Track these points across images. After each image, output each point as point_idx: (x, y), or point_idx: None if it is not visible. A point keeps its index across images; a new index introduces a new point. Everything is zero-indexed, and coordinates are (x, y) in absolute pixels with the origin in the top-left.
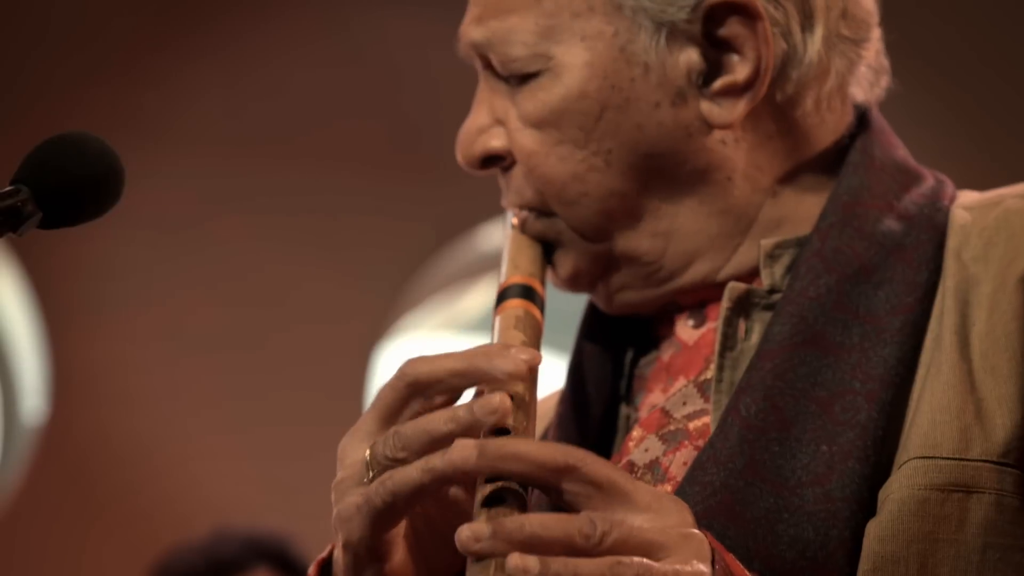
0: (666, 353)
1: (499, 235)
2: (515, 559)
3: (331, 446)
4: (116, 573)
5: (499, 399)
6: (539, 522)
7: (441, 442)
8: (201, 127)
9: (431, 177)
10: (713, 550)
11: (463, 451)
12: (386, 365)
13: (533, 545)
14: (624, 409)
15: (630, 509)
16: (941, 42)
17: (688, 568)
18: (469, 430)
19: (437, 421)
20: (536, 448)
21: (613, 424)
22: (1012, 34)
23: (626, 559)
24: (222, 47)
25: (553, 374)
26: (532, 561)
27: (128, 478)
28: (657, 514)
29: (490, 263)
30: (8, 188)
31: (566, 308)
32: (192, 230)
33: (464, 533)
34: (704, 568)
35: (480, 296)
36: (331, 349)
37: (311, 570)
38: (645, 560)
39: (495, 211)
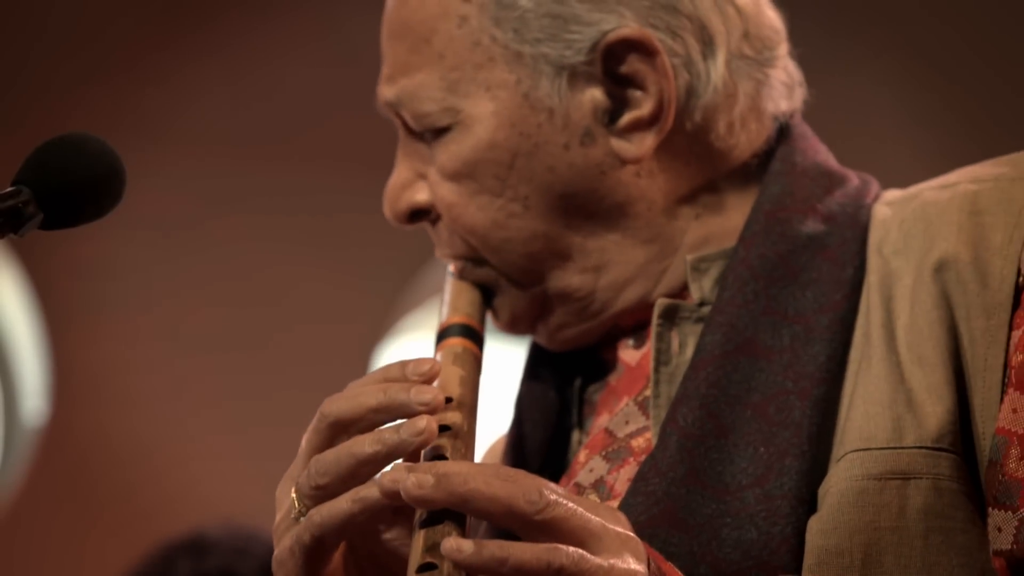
0: (612, 377)
1: None
2: (450, 542)
3: None
4: (116, 573)
5: (425, 423)
6: (483, 479)
7: (366, 463)
8: (201, 127)
9: None
10: (648, 555)
11: (394, 473)
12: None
13: (475, 501)
14: (576, 435)
15: None
16: (941, 42)
17: (621, 563)
18: (395, 451)
19: (361, 444)
20: (467, 467)
21: (566, 451)
22: (1012, 34)
23: (562, 547)
24: (223, 47)
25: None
26: (466, 543)
27: (128, 478)
28: (597, 515)
29: None
30: (9, 189)
31: None
32: (192, 230)
33: (409, 480)
34: (638, 567)
35: None
36: (332, 349)
37: None
38: (580, 550)
39: None
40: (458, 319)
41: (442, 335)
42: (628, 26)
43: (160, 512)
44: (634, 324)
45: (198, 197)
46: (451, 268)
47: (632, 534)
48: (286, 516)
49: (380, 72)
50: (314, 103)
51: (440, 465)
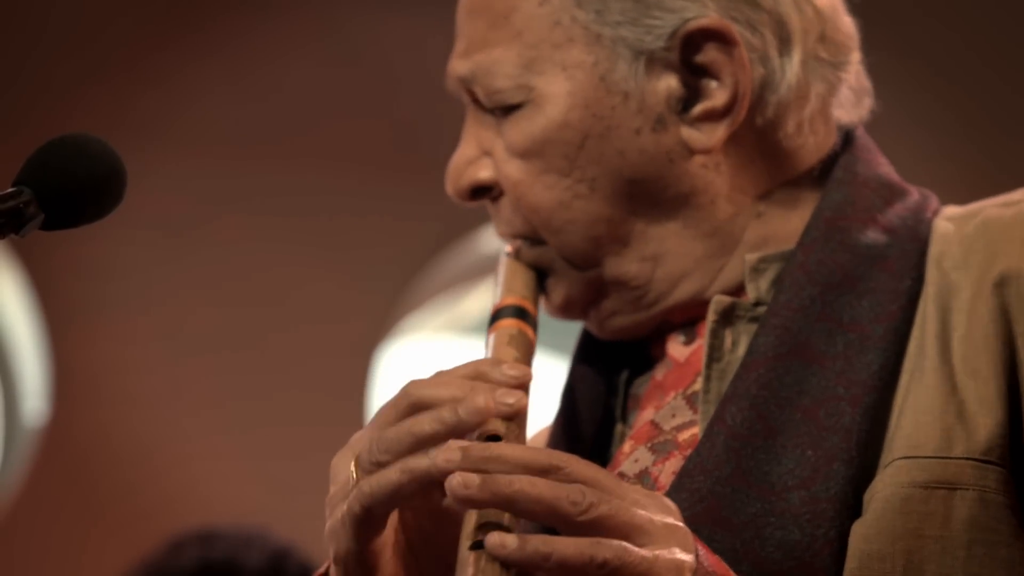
0: (659, 372)
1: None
2: (494, 538)
3: (332, 447)
4: (117, 573)
5: (483, 401)
6: (528, 480)
7: (425, 443)
8: (202, 128)
9: (433, 178)
10: (696, 545)
11: (447, 452)
12: (388, 366)
13: (519, 503)
14: (619, 428)
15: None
16: (940, 43)
17: (667, 554)
18: (454, 431)
19: (422, 423)
20: (520, 450)
21: (609, 443)
22: (1012, 35)
23: (605, 540)
24: (223, 48)
25: (554, 375)
26: (511, 538)
27: (129, 478)
28: (644, 509)
29: (493, 265)
30: (10, 190)
31: None
32: (193, 231)
33: (455, 479)
34: (685, 557)
35: (482, 298)
36: (332, 350)
37: None
38: (624, 543)
39: None
40: (513, 300)
41: (496, 316)
42: (709, 16)
43: (160, 512)
44: (685, 320)
45: (198, 197)
46: (507, 248)
47: (680, 524)
48: (342, 488)
49: (453, 48)
50: (315, 103)
51: (493, 447)
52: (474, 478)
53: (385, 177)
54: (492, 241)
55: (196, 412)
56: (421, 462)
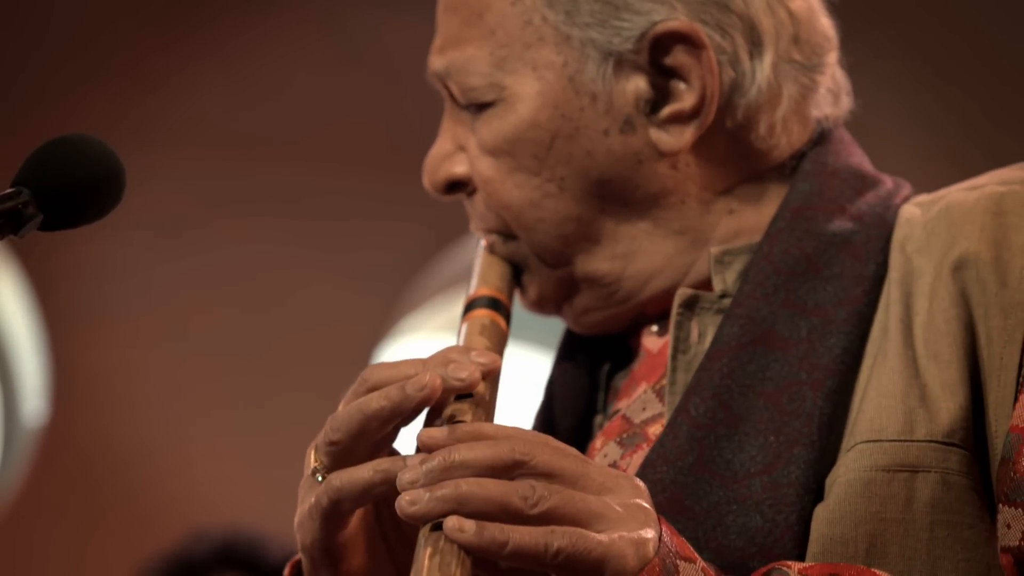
0: (636, 363)
1: None
2: (452, 520)
3: None
4: (117, 574)
5: (428, 377)
6: (476, 482)
7: (373, 419)
8: (201, 129)
9: None
10: (661, 525)
11: (409, 472)
12: None
13: (469, 504)
14: (599, 419)
15: (581, 490)
16: (940, 44)
17: (627, 534)
18: (400, 406)
19: (369, 400)
20: (481, 451)
21: (589, 435)
22: (1012, 36)
23: (560, 528)
24: (223, 48)
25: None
26: (469, 523)
27: (129, 480)
28: (611, 492)
29: None
30: (9, 190)
31: None
32: (193, 232)
33: (403, 499)
34: (647, 535)
35: None
36: (332, 351)
37: (285, 571)
38: (580, 530)
39: None
40: (487, 291)
41: (470, 306)
42: (678, 19)
43: (161, 514)
44: (659, 312)
45: (198, 198)
46: (483, 242)
47: (645, 504)
48: (308, 477)
49: (432, 43)
50: (315, 105)
51: (455, 453)
52: (421, 493)
53: (385, 179)
54: None
55: (197, 413)
56: (395, 464)
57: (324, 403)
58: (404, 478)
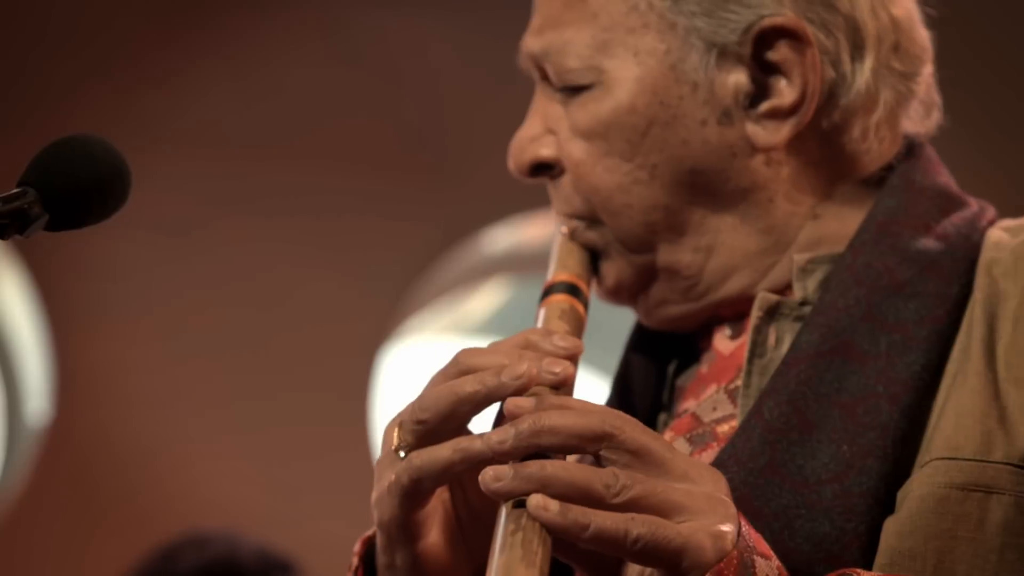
0: (704, 365)
1: (504, 238)
2: (537, 498)
3: (335, 448)
4: (118, 574)
5: (526, 366)
6: (561, 465)
7: (465, 402)
8: (204, 128)
9: (437, 179)
10: (740, 519)
11: (498, 433)
12: (390, 368)
13: (553, 486)
14: (663, 417)
15: (664, 475)
16: (940, 45)
17: (707, 526)
18: (494, 393)
19: (463, 383)
20: (572, 419)
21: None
22: (1012, 36)
23: (640, 516)
24: (225, 47)
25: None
26: (553, 503)
27: (131, 479)
28: (692, 482)
29: (496, 266)
30: (15, 190)
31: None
32: (195, 231)
33: (488, 474)
34: (726, 528)
35: (485, 299)
36: (335, 351)
37: (356, 547)
38: (659, 519)
39: (501, 214)
40: (566, 277)
41: (548, 291)
42: (785, 14)
43: (162, 513)
44: (733, 315)
45: (200, 198)
46: (562, 228)
47: (723, 496)
48: (389, 454)
49: (529, 24)
50: (318, 103)
51: (544, 418)
52: (506, 470)
53: (388, 178)
54: (496, 243)
55: (198, 413)
56: (475, 443)
57: (327, 402)
58: (492, 438)
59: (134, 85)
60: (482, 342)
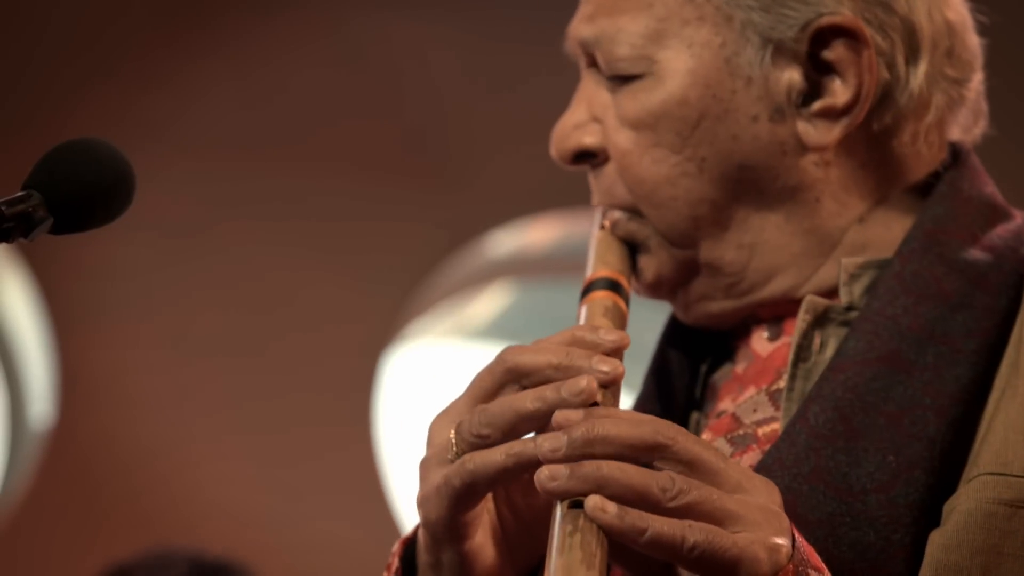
0: (740, 365)
1: (508, 241)
2: (595, 499)
3: (336, 450)
4: None
5: (586, 382)
6: (617, 466)
7: (527, 420)
8: (206, 130)
9: (440, 182)
10: (793, 531)
11: (551, 441)
12: (393, 370)
13: (609, 487)
14: (695, 415)
15: (718, 486)
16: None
17: (762, 539)
18: (555, 407)
19: (523, 399)
20: (625, 428)
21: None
22: (1012, 37)
23: (697, 524)
24: (227, 48)
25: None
26: (611, 504)
27: (134, 482)
28: (746, 493)
29: (499, 269)
30: (19, 193)
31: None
32: (198, 234)
33: (543, 473)
34: (781, 541)
35: (489, 302)
36: (338, 354)
37: (395, 547)
38: (716, 528)
39: (505, 217)
40: (607, 273)
41: (589, 288)
42: (843, 13)
43: (166, 516)
44: (771, 316)
45: (203, 200)
46: (601, 223)
47: (778, 509)
48: (438, 454)
49: (578, 10)
50: (320, 105)
51: (598, 428)
52: (562, 470)
53: (391, 181)
54: (499, 247)
55: (201, 416)
56: (528, 448)
57: (330, 405)
58: (545, 445)
59: (136, 87)
60: (485, 345)
